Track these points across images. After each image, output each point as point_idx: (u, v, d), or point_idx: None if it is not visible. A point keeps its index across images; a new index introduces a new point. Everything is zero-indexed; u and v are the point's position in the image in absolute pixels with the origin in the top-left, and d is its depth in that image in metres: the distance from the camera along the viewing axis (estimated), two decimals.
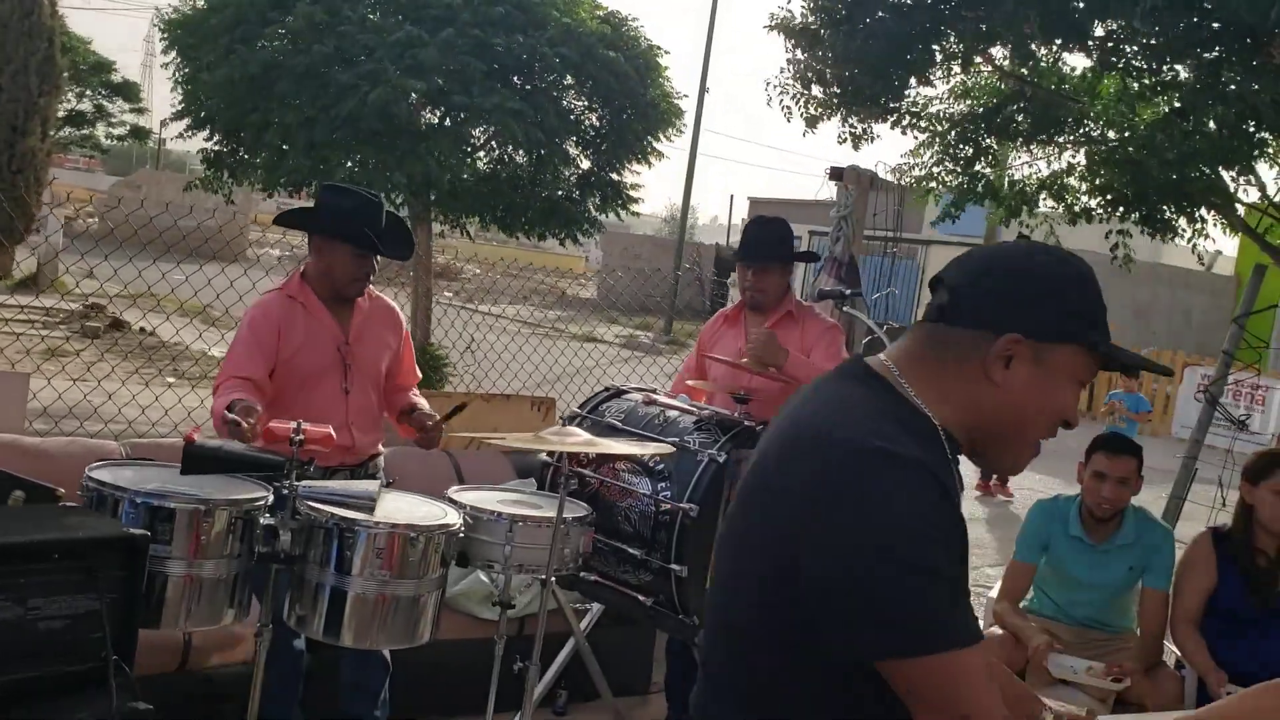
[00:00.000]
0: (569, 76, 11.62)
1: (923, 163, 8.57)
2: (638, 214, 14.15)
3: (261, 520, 2.93)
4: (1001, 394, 1.58)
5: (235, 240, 9.63)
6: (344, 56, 10.48)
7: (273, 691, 3.65)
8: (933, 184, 8.56)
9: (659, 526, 3.58)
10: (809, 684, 1.56)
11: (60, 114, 21.00)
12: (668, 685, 4.48)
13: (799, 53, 7.14)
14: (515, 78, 11.28)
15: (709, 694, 1.69)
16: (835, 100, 7.07)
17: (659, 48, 12.29)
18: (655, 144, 12.42)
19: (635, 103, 11.85)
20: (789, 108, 7.51)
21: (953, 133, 8.10)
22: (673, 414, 3.83)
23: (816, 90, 7.23)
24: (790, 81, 7.43)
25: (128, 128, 29.14)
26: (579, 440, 3.13)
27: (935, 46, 6.48)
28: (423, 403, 3.90)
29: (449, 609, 4.39)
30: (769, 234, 4.13)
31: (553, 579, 3.29)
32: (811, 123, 7.51)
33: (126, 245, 7.23)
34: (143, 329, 13.94)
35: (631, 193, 12.58)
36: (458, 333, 10.16)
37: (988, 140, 8.16)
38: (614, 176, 12.59)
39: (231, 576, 2.93)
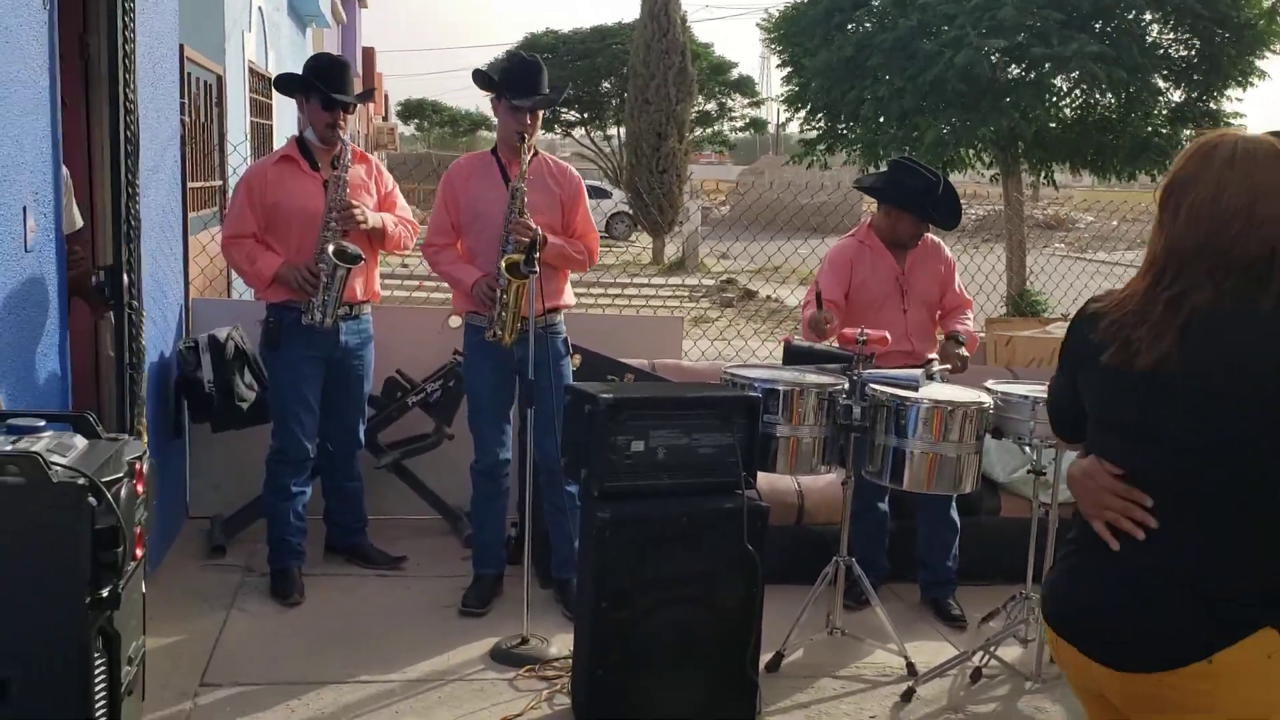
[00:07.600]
0: (1148, 12, 11.56)
1: None
2: None
3: (840, 400, 4.03)
4: None
5: (851, 212, 11.01)
6: (926, 28, 11.44)
7: (864, 540, 4.78)
8: None
9: None
10: None
11: (692, 116, 24.15)
12: None
13: None
14: (1095, 22, 11.48)
15: None
16: None
17: None
18: (1256, 64, 11.90)
19: (1227, 24, 11.47)
20: None
21: None
22: None
23: None
24: None
25: (747, 120, 32.45)
26: None
27: None
28: (962, 350, 4.73)
29: (1008, 492, 5.25)
30: None
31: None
32: None
33: (753, 226, 8.78)
34: (769, 296, 16.00)
35: (1231, 120, 12.13)
36: (1055, 281, 10.68)
37: None
38: (1211, 105, 12.24)
39: (820, 439, 4.05)
